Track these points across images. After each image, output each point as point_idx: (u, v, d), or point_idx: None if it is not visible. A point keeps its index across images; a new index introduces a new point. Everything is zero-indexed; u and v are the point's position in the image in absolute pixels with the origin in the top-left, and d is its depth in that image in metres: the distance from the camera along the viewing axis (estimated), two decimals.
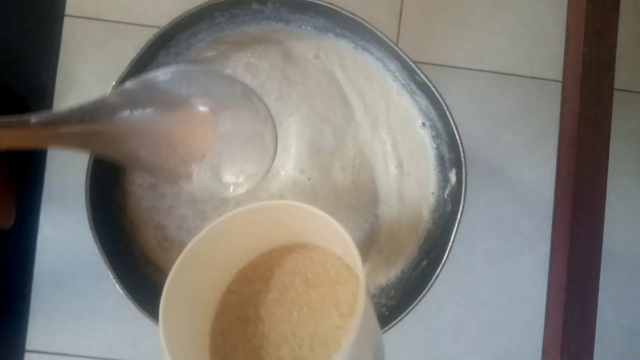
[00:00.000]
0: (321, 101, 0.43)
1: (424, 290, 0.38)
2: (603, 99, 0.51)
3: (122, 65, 0.37)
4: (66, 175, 0.52)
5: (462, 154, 0.38)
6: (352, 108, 0.43)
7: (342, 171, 0.43)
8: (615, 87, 0.52)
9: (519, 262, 0.54)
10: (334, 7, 0.38)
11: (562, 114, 0.55)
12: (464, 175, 0.39)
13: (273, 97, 0.42)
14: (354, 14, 0.38)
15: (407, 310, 0.38)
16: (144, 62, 0.39)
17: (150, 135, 0.35)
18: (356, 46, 0.43)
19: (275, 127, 0.36)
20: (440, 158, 0.43)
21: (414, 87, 0.42)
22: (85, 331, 0.52)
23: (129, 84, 0.33)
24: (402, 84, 0.43)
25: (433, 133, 0.43)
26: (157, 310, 0.36)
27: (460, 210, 0.38)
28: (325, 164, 0.43)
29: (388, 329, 0.38)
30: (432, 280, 0.38)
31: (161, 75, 0.33)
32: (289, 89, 0.43)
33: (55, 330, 0.51)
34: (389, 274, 0.43)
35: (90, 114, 0.32)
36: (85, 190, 0.37)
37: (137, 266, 0.41)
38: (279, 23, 0.42)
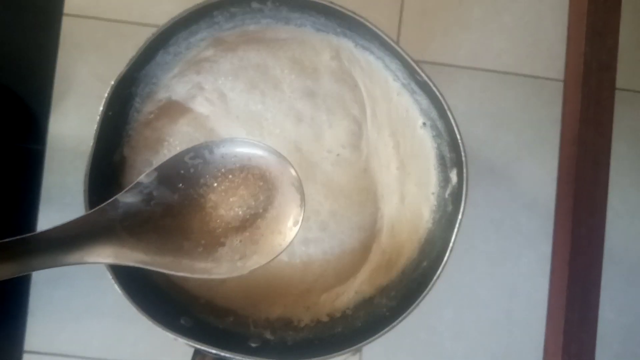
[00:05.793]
0: (335, 103, 0.43)
1: (424, 291, 0.38)
2: (604, 98, 0.51)
3: (121, 65, 0.37)
4: (65, 175, 0.52)
5: (463, 154, 0.38)
6: (363, 109, 0.43)
7: (345, 172, 0.43)
8: (616, 86, 0.52)
9: (519, 262, 0.54)
10: (334, 6, 0.38)
11: (563, 114, 0.55)
12: (465, 175, 0.38)
13: (277, 98, 0.42)
14: (354, 13, 0.38)
15: (407, 311, 0.38)
16: (143, 62, 0.38)
17: (171, 228, 0.34)
18: (356, 45, 0.43)
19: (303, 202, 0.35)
20: (441, 158, 0.43)
21: (415, 87, 0.42)
22: (83, 331, 0.51)
23: (143, 177, 0.33)
24: (402, 83, 0.43)
25: (434, 133, 0.43)
26: (156, 310, 0.37)
27: (461, 210, 0.38)
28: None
29: (389, 330, 0.37)
30: (433, 281, 0.38)
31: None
32: (293, 88, 0.43)
33: (54, 331, 0.51)
34: (390, 275, 0.43)
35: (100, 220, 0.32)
36: (84, 191, 0.36)
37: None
38: (279, 22, 0.42)
